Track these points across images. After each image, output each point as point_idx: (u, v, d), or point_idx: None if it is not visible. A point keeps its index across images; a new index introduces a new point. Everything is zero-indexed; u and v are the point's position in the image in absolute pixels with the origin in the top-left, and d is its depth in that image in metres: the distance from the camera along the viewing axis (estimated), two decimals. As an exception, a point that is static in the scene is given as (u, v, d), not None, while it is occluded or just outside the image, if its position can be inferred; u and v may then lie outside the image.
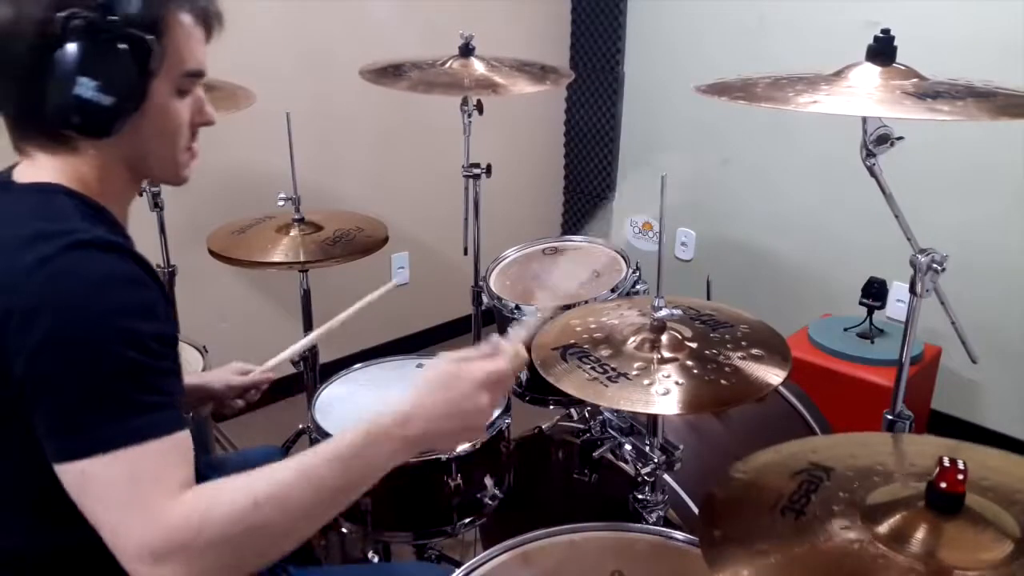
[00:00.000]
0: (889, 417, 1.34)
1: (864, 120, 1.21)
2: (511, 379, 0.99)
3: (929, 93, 1.15)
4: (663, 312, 1.29)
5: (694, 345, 1.29)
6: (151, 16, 0.90)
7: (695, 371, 1.23)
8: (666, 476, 1.44)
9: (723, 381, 1.21)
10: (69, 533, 0.87)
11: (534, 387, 1.76)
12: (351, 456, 0.89)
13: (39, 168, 0.94)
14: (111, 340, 0.82)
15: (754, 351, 1.28)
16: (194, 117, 1.00)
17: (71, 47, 0.86)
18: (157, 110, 0.94)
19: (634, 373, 1.23)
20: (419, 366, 1.78)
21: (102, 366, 0.82)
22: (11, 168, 0.98)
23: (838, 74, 1.26)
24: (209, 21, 0.97)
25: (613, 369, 1.25)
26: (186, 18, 0.94)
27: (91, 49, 0.87)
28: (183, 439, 0.85)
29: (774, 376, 1.22)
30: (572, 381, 1.24)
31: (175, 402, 0.87)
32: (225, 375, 1.47)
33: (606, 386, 1.21)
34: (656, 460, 1.40)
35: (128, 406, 0.83)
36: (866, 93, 1.20)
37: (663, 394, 1.18)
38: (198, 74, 0.97)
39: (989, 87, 1.19)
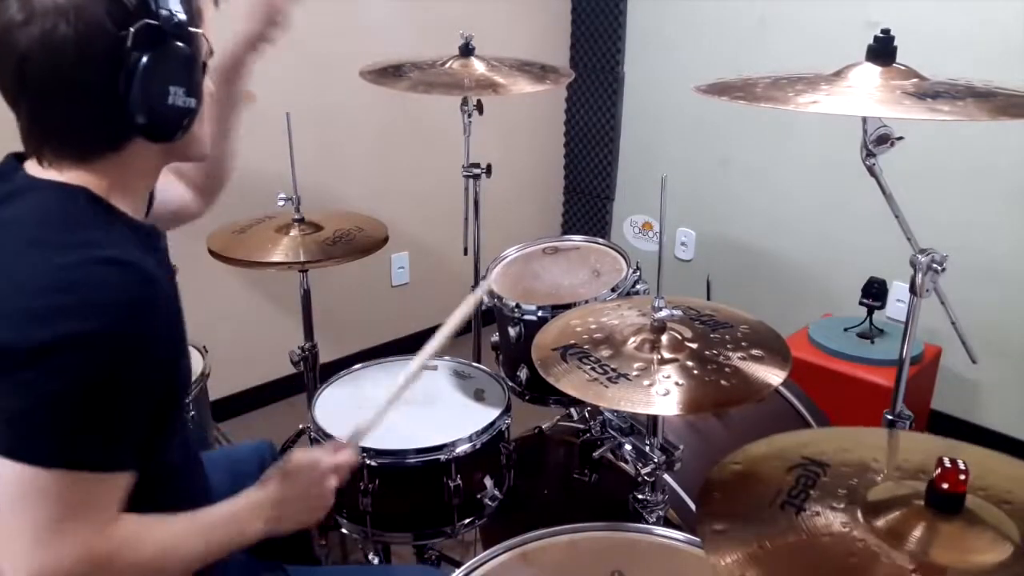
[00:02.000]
0: (889, 417, 1.34)
1: (864, 120, 1.21)
2: (354, 465, 1.15)
3: (929, 93, 1.15)
4: (663, 313, 1.29)
5: (694, 346, 1.29)
6: (194, 11, 0.92)
7: (695, 371, 1.23)
8: (666, 476, 1.44)
9: (723, 382, 1.21)
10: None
11: (534, 386, 1.76)
12: (216, 529, 1.00)
13: (60, 170, 0.92)
14: (108, 370, 0.83)
15: (754, 351, 1.28)
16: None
17: (150, 59, 0.86)
18: (204, 96, 0.97)
19: (634, 374, 1.23)
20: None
21: (91, 391, 0.82)
22: (14, 158, 0.97)
23: (838, 74, 1.26)
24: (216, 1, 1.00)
25: (613, 370, 1.24)
26: (208, 2, 0.97)
27: (168, 57, 0.88)
28: (123, 479, 0.88)
29: (774, 376, 1.22)
30: (572, 382, 1.24)
31: (129, 439, 0.88)
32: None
33: (606, 387, 1.21)
34: (656, 460, 1.40)
35: (102, 433, 0.84)
36: (866, 93, 1.20)
37: (663, 395, 1.19)
38: (212, 51, 1.00)
39: (989, 87, 1.19)
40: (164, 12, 0.87)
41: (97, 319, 0.82)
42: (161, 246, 1.06)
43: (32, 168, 0.93)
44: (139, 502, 0.91)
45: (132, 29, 0.85)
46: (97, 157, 0.91)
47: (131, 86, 0.86)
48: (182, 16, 0.89)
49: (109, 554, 0.87)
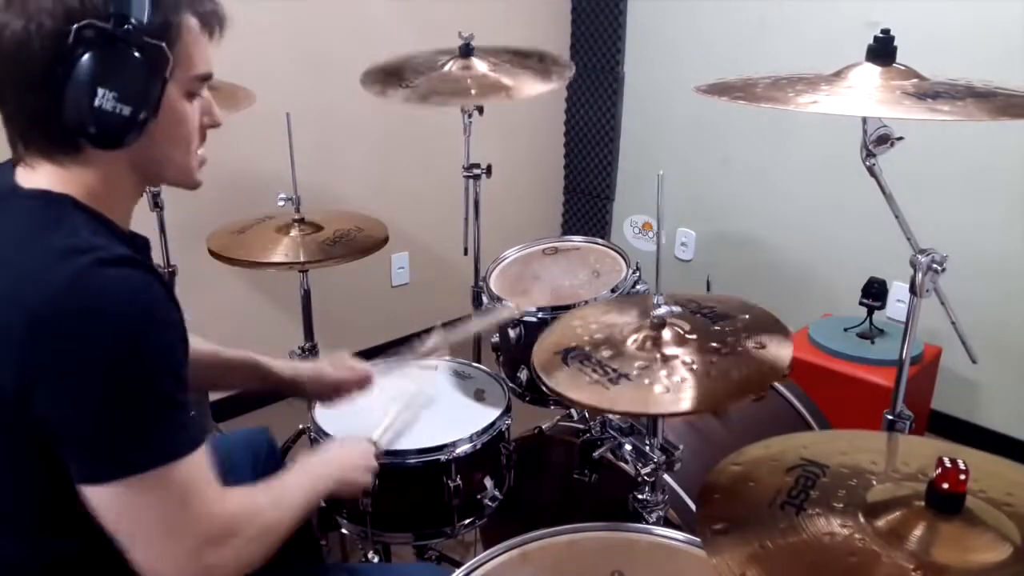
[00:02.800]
0: (889, 417, 1.34)
1: (864, 120, 1.21)
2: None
3: (929, 93, 1.15)
4: (662, 310, 1.29)
5: (694, 337, 1.28)
6: (162, 23, 0.90)
7: (695, 367, 1.22)
8: (666, 476, 1.44)
9: (732, 372, 1.20)
10: (68, 543, 0.92)
11: (534, 387, 1.76)
12: (316, 478, 1.14)
13: (42, 176, 0.92)
14: (146, 363, 0.85)
15: (759, 338, 1.27)
16: (202, 119, 1.00)
17: (87, 58, 0.85)
18: (170, 116, 0.94)
19: (635, 373, 1.23)
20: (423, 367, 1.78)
21: (137, 390, 0.84)
22: (5, 167, 0.97)
23: (838, 74, 1.26)
24: (214, 24, 0.97)
25: (615, 370, 1.24)
26: (193, 22, 0.94)
27: (108, 60, 0.86)
28: (204, 451, 0.91)
29: (778, 360, 1.22)
30: (573, 385, 1.23)
31: (192, 417, 0.91)
32: (320, 368, 1.49)
33: (607, 388, 1.21)
34: (656, 460, 1.40)
35: (161, 425, 0.87)
36: (866, 93, 1.20)
37: (666, 393, 1.18)
38: (206, 77, 0.98)
39: (989, 87, 1.19)
40: (118, 16, 0.86)
41: (118, 319, 0.83)
42: (148, 254, 1.05)
43: (18, 173, 0.94)
44: None
45: (75, 26, 0.84)
46: (64, 158, 0.92)
47: (64, 83, 0.85)
48: (140, 24, 0.87)
49: (231, 527, 0.93)
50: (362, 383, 1.47)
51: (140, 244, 1.00)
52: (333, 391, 1.47)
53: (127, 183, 0.97)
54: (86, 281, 0.83)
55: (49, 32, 0.85)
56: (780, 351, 1.24)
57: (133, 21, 0.86)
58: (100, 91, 0.86)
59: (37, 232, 0.87)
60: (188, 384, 0.90)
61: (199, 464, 0.90)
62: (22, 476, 0.90)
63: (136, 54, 0.87)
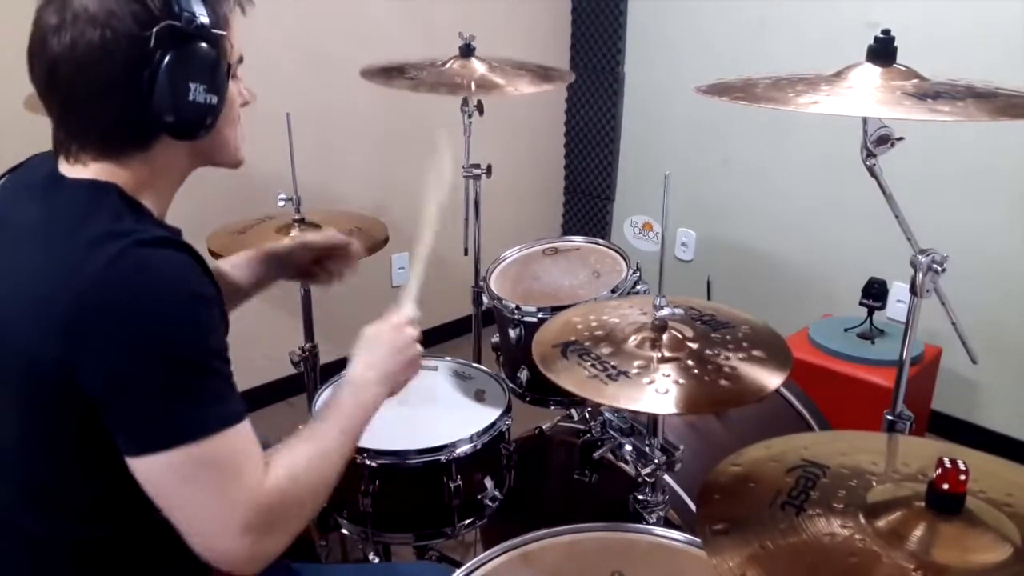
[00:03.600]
0: (889, 417, 1.34)
1: (864, 120, 1.21)
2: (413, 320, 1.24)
3: (929, 94, 1.15)
4: (665, 311, 1.29)
5: (695, 345, 1.29)
6: (219, 14, 0.95)
7: (695, 371, 1.23)
8: (666, 476, 1.44)
9: (723, 382, 1.21)
10: (103, 529, 0.96)
11: (534, 387, 1.76)
12: (350, 417, 1.06)
13: (91, 171, 0.95)
14: (193, 336, 0.87)
15: (755, 353, 1.28)
16: (240, 99, 1.05)
17: (173, 57, 0.90)
18: (229, 100, 1.00)
19: (634, 371, 1.23)
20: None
21: (185, 361, 0.87)
22: (45, 158, 0.99)
23: (838, 74, 1.26)
24: (246, 6, 1.02)
25: (613, 367, 1.24)
26: (233, 9, 0.99)
27: (191, 56, 0.92)
28: (249, 423, 0.93)
29: (774, 378, 1.22)
30: (572, 378, 1.24)
31: (235, 390, 0.93)
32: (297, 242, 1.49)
33: (606, 384, 1.21)
34: (656, 460, 1.40)
35: (209, 396, 0.88)
36: (866, 93, 1.20)
37: (663, 393, 1.18)
38: (242, 58, 1.03)
39: (989, 88, 1.19)
40: (187, 14, 0.91)
41: (160, 293, 0.86)
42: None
43: (62, 167, 0.96)
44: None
45: (154, 30, 0.89)
46: (125, 155, 0.95)
47: (154, 84, 0.90)
48: (204, 19, 0.92)
49: (281, 493, 0.92)
50: (345, 251, 1.49)
51: (176, 232, 1.03)
52: (315, 262, 1.48)
53: (179, 172, 1.02)
54: (127, 260, 0.85)
55: (127, 38, 0.88)
56: (775, 371, 1.24)
57: (199, 17, 0.92)
58: (192, 86, 0.92)
59: (81, 218, 0.89)
60: (228, 359, 0.92)
61: (246, 435, 0.91)
62: (56, 458, 0.92)
63: (207, 47, 0.93)
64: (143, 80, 0.89)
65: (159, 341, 0.85)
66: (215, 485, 0.88)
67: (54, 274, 0.86)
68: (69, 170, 0.95)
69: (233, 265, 1.39)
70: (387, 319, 1.22)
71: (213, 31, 0.94)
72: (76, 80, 0.90)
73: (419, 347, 1.20)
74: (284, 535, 0.94)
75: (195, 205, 2.34)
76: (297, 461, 0.96)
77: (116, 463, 0.88)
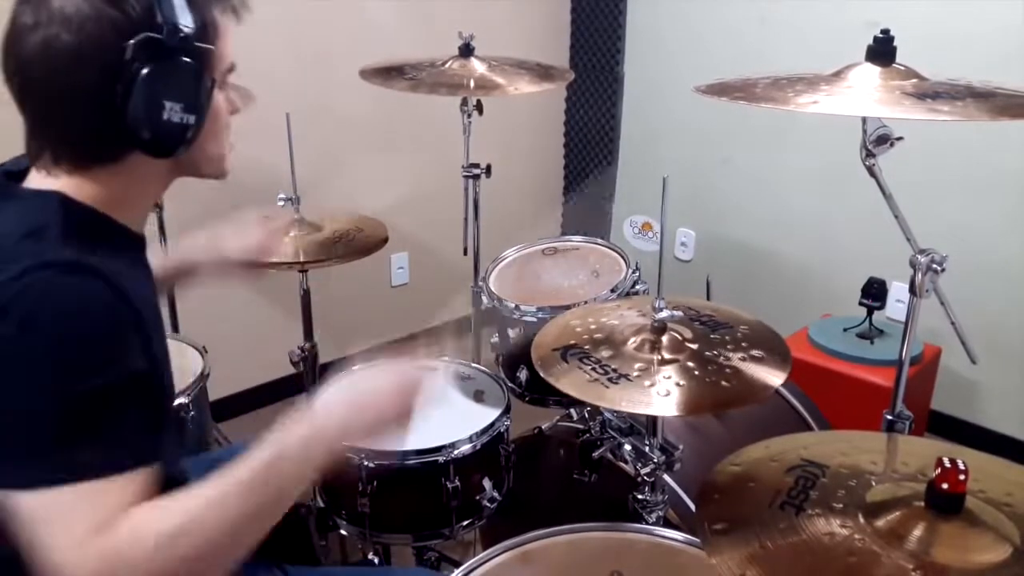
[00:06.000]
0: (889, 417, 1.34)
1: (864, 120, 1.21)
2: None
3: (929, 93, 1.15)
4: (664, 313, 1.29)
5: (695, 346, 1.29)
6: (204, 24, 0.90)
7: (696, 372, 1.23)
8: (665, 476, 1.44)
9: (724, 383, 1.21)
10: None
11: (534, 387, 1.76)
12: (258, 480, 0.87)
13: (62, 183, 0.90)
14: (50, 373, 0.79)
15: (754, 352, 1.28)
16: (228, 108, 1.00)
17: (150, 73, 0.84)
18: (214, 114, 0.94)
19: (635, 374, 1.23)
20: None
21: (39, 398, 0.78)
22: (18, 166, 0.95)
23: (838, 74, 1.26)
24: (240, 12, 0.96)
25: (614, 370, 1.24)
26: (224, 16, 0.94)
27: (169, 72, 0.86)
28: (120, 481, 0.81)
29: (774, 378, 1.22)
30: (573, 382, 1.24)
31: (124, 441, 0.82)
32: (216, 245, 1.37)
33: (607, 387, 1.21)
34: (656, 460, 1.40)
35: (58, 443, 0.79)
36: (866, 93, 1.20)
37: (664, 395, 1.18)
38: (233, 67, 0.98)
39: (989, 87, 1.19)
40: (169, 26, 0.85)
41: (34, 327, 0.78)
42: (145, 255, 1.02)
43: (32, 176, 0.92)
44: None
45: (132, 41, 0.84)
46: (96, 166, 0.90)
47: (127, 99, 0.85)
48: (189, 30, 0.87)
49: (116, 551, 0.78)
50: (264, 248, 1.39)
51: (138, 239, 0.98)
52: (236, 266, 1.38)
53: (158, 184, 0.98)
54: (25, 284, 0.79)
55: (102, 46, 0.83)
56: (775, 370, 1.24)
57: (183, 29, 0.86)
58: (168, 104, 0.86)
59: (6, 235, 0.85)
60: (122, 409, 0.82)
61: (96, 496, 0.79)
62: None
63: (190, 61, 0.88)
64: (116, 93, 0.84)
65: (50, 372, 0.77)
66: (45, 540, 0.77)
67: None
68: (39, 180, 0.91)
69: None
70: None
71: (197, 44, 0.88)
72: (46, 84, 0.85)
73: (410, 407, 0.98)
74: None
75: (194, 205, 2.35)
76: (170, 514, 0.82)
77: None
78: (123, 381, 0.82)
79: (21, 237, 0.84)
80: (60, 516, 0.78)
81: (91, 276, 0.82)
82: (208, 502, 0.84)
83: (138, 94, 0.84)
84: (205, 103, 0.92)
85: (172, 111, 0.87)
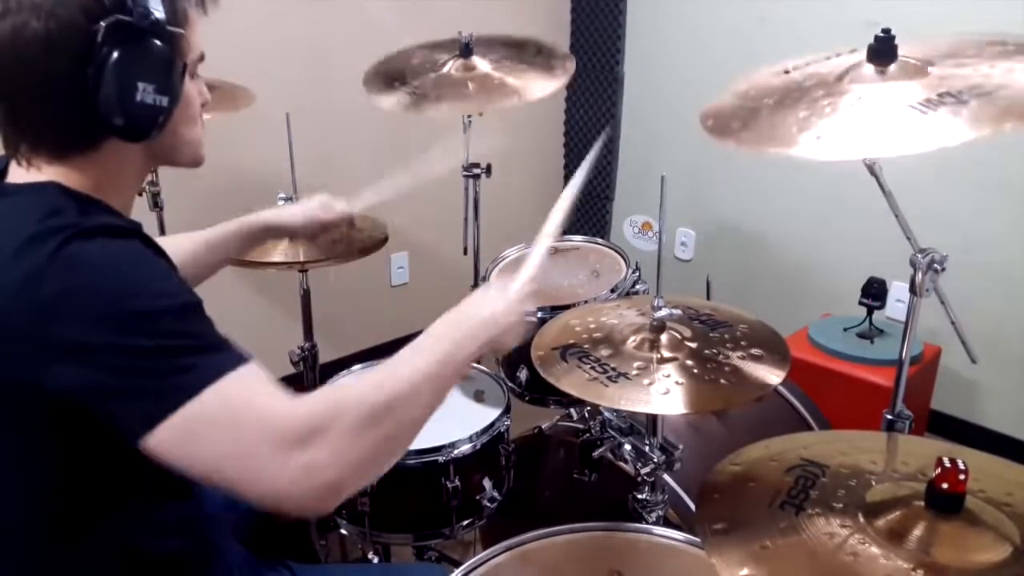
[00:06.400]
0: (889, 417, 1.34)
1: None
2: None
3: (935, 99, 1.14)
4: (663, 312, 1.29)
5: (694, 345, 1.29)
6: (174, 10, 0.91)
7: (695, 371, 1.23)
8: (665, 476, 1.44)
9: (722, 381, 1.21)
10: (81, 567, 0.91)
11: (534, 387, 1.76)
12: (446, 339, 1.01)
13: (44, 175, 0.91)
14: (156, 298, 0.83)
15: (753, 351, 1.28)
16: (200, 99, 1.02)
17: (122, 55, 0.85)
18: (186, 100, 0.96)
19: (634, 373, 1.23)
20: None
21: (156, 335, 0.81)
22: None
23: (840, 78, 1.25)
24: (208, 3, 0.98)
25: (613, 369, 1.24)
26: (193, 4, 0.95)
27: (141, 54, 0.87)
28: (256, 366, 0.87)
29: (773, 376, 1.22)
30: (572, 381, 1.24)
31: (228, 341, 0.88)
32: (308, 210, 1.58)
33: (606, 386, 1.21)
34: (656, 460, 1.40)
35: (192, 351, 0.82)
36: (870, 105, 1.19)
37: (663, 394, 1.18)
38: (203, 56, 1.00)
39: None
40: (140, 9, 0.86)
41: (111, 275, 0.82)
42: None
43: (13, 171, 0.93)
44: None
45: (103, 24, 0.84)
46: (75, 154, 0.91)
47: (100, 82, 0.85)
48: (159, 15, 0.88)
49: (313, 423, 0.83)
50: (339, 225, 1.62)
51: (134, 225, 0.98)
52: (321, 230, 1.62)
53: (137, 171, 0.99)
54: (67, 252, 0.81)
55: (72, 31, 0.84)
56: (774, 368, 1.24)
57: (153, 12, 0.87)
58: (140, 85, 0.87)
59: (19, 225, 0.85)
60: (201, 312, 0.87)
61: (252, 376, 0.85)
62: (35, 487, 0.89)
63: (160, 44, 0.89)
64: (88, 77, 0.84)
65: (126, 315, 0.80)
66: (231, 434, 0.81)
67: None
68: (21, 175, 0.91)
69: (210, 243, 1.46)
70: (506, 288, 1.13)
71: (168, 28, 0.89)
72: (17, 73, 0.85)
73: (519, 336, 1.10)
74: (337, 460, 0.83)
75: (195, 205, 2.35)
76: (350, 392, 0.88)
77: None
78: (196, 301, 0.87)
79: (42, 218, 0.84)
80: (251, 387, 0.84)
81: (129, 235, 0.87)
82: (396, 363, 0.94)
83: (110, 77, 0.85)
84: (177, 86, 0.92)
85: (145, 92, 0.88)
